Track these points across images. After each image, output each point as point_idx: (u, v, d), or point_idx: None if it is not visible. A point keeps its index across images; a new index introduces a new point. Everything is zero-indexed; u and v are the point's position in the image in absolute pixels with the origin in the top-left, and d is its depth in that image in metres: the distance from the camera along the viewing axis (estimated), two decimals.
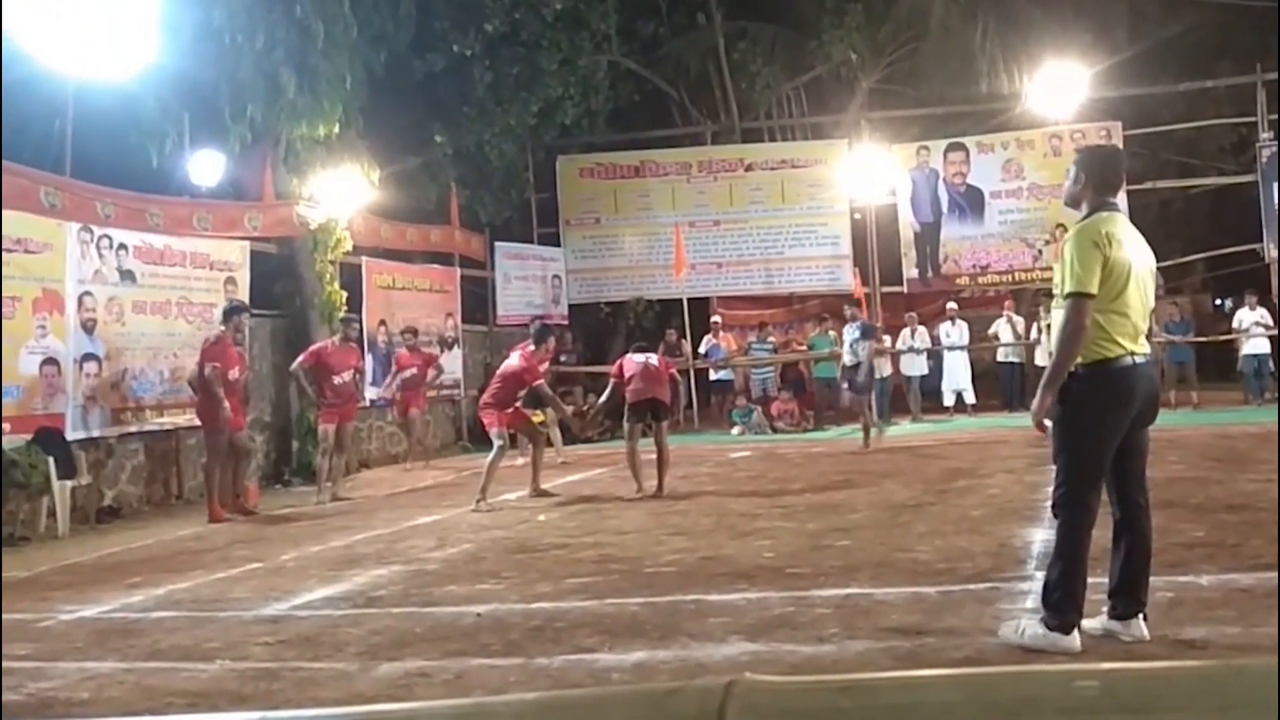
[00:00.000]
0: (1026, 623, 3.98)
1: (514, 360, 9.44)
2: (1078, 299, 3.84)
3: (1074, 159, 4.27)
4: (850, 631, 4.34)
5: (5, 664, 4.59)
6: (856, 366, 12.31)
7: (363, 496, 10.34)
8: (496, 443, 9.14)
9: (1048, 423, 3.94)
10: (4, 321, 8.65)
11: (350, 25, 11.46)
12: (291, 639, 4.78)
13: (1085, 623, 3.95)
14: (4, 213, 8.71)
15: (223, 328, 9.47)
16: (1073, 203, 4.17)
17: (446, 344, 14.87)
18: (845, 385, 13.05)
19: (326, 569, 6.47)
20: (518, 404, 9.50)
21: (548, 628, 4.70)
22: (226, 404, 9.03)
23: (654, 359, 9.49)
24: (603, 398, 9.94)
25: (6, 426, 8.60)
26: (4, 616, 5.54)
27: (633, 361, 9.35)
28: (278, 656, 4.51)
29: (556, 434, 12.25)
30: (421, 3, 13.35)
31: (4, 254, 8.67)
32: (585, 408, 13.02)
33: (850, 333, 12.73)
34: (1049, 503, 4.13)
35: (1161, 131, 16.53)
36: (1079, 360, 3.89)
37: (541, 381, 9.38)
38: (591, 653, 4.27)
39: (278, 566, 6.70)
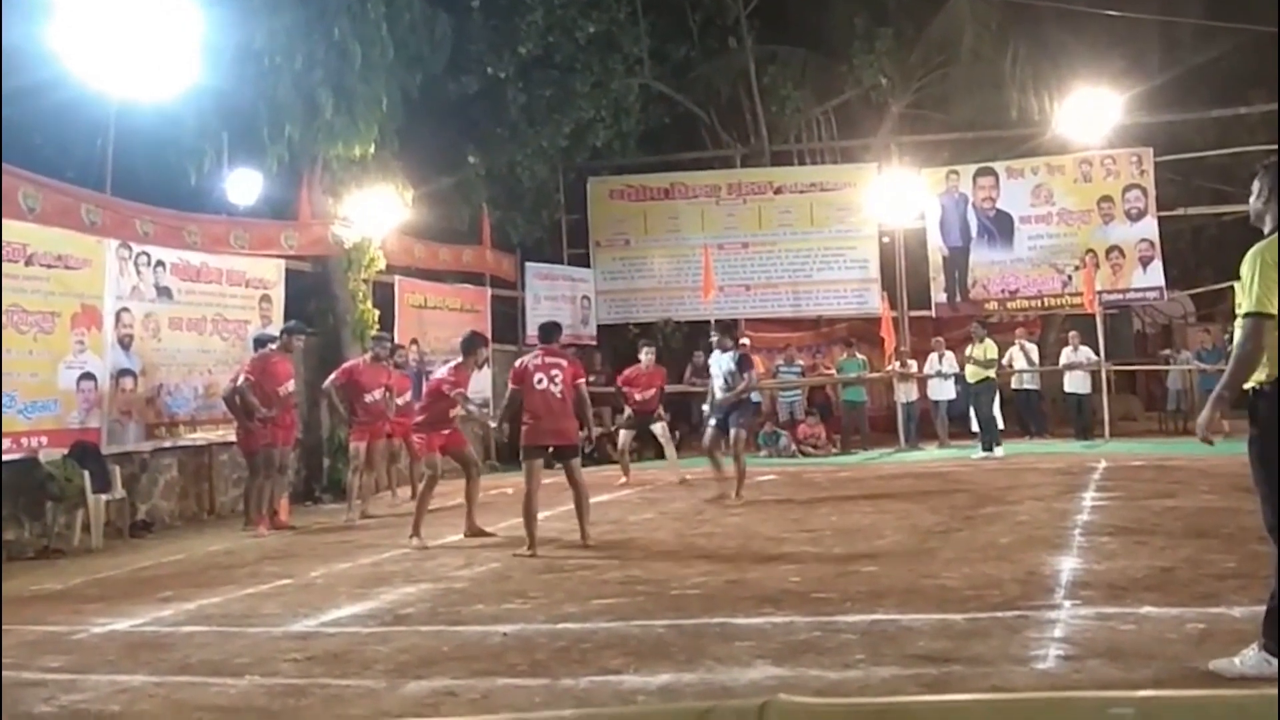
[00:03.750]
0: (1247, 651, 3.80)
1: (440, 372, 8.60)
2: (1256, 319, 3.73)
3: (1258, 173, 4.04)
4: (877, 658, 4.31)
5: (39, 675, 4.66)
6: (739, 402, 10.03)
7: (392, 514, 10.39)
8: (425, 471, 8.44)
9: (1214, 437, 3.88)
10: (43, 336, 8.81)
11: (387, 48, 11.63)
12: (320, 655, 4.82)
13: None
14: (46, 230, 8.89)
15: (271, 345, 9.66)
16: (1259, 219, 3.99)
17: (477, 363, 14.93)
18: (712, 422, 10.13)
19: (355, 586, 6.52)
20: (452, 424, 8.42)
21: (574, 648, 4.71)
22: (259, 417, 9.25)
23: (558, 383, 7.31)
24: (502, 405, 8.49)
25: (43, 440, 8.75)
26: (39, 629, 5.63)
27: (532, 382, 7.34)
28: (306, 673, 4.55)
29: (671, 450, 11.82)
30: (457, 26, 13.52)
31: (45, 269, 8.84)
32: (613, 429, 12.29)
33: (723, 363, 10.10)
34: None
35: (1194, 158, 16.41)
36: (1264, 378, 3.75)
37: (462, 390, 8.16)
38: (617, 674, 4.28)
39: (307, 583, 6.75)
